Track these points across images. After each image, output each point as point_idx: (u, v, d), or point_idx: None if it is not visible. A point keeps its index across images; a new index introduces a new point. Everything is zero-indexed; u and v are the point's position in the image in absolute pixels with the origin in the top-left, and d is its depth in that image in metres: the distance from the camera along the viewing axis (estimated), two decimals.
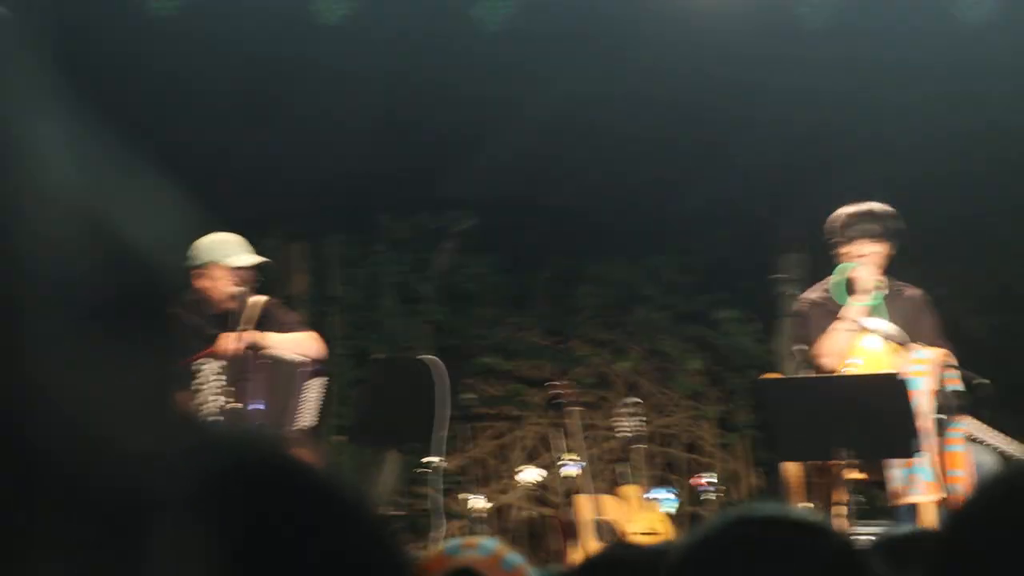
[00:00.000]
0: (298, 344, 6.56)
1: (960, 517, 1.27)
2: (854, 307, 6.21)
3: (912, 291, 6.48)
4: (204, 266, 6.33)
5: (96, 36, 6.66)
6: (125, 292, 0.81)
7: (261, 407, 6.37)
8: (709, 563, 1.38)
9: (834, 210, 6.40)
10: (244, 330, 6.36)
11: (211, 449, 0.98)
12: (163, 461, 0.76)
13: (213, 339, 6.35)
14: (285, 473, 1.01)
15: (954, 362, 5.98)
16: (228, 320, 6.28)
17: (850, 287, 6.32)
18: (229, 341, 6.25)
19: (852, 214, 6.31)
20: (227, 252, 6.32)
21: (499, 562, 2.00)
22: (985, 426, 6.38)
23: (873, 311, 6.23)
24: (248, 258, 6.36)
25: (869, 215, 6.29)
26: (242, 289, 6.32)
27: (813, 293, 6.48)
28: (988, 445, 6.28)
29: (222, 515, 0.87)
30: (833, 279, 6.34)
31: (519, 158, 8.16)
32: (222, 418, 6.24)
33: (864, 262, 6.25)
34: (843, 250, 6.30)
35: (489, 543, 2.05)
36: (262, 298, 6.59)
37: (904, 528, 3.88)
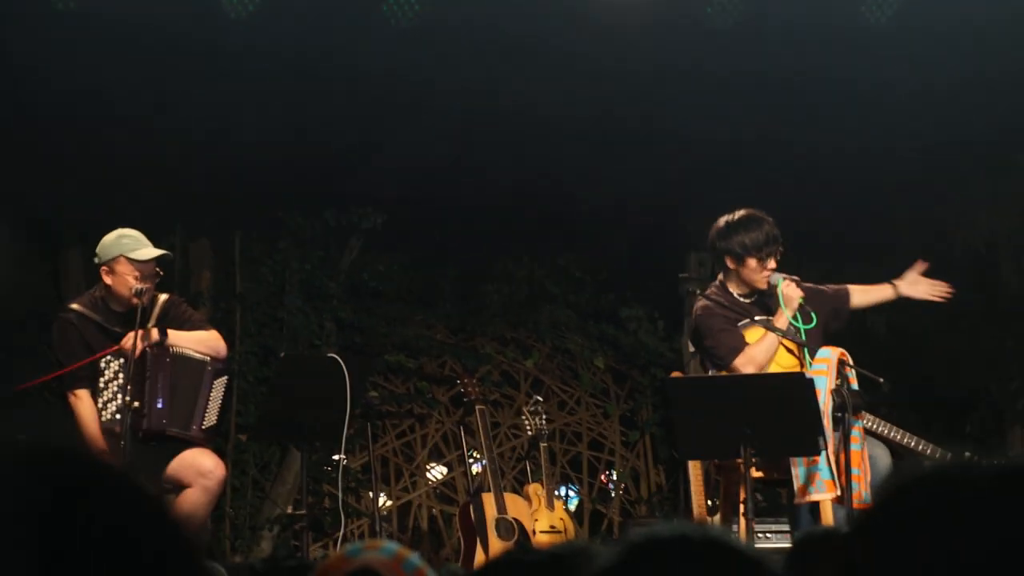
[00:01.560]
0: (202, 342, 6.55)
1: (867, 519, 1.30)
2: (782, 322, 6.21)
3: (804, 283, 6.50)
4: (109, 262, 6.32)
5: None
6: None
7: (163, 405, 6.34)
8: None
9: (740, 208, 6.40)
10: (149, 327, 6.34)
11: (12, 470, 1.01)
12: None
13: (118, 337, 6.32)
14: (85, 482, 1.05)
15: (850, 360, 6.07)
16: (133, 317, 6.25)
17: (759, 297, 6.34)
18: (134, 339, 6.22)
19: (761, 233, 6.23)
20: (131, 246, 6.34)
21: (400, 564, 2.01)
22: (882, 420, 6.50)
23: (798, 320, 6.23)
24: (150, 251, 6.35)
25: (770, 228, 6.27)
26: (147, 286, 6.29)
27: (717, 297, 6.46)
28: (885, 439, 6.39)
29: (26, 529, 0.91)
30: (781, 295, 6.23)
31: (425, 156, 8.16)
32: (120, 416, 6.20)
33: (776, 276, 6.26)
34: (751, 264, 6.27)
35: (391, 546, 2.06)
36: (166, 295, 6.58)
37: (814, 530, 3.93)
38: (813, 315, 6.23)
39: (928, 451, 6.49)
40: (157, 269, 6.39)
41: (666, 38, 7.19)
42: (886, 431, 6.45)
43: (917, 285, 6.58)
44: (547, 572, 1.83)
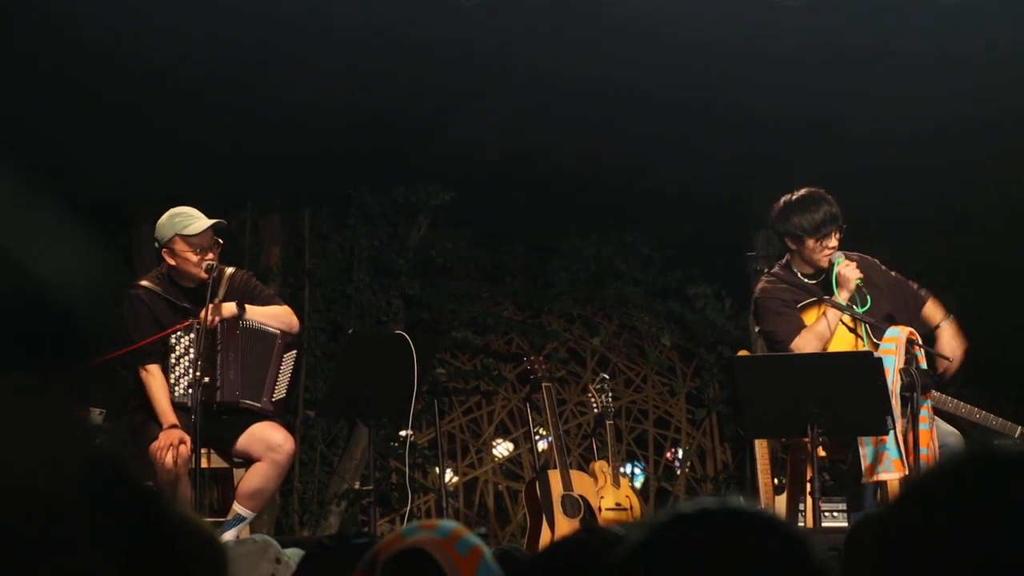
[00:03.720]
0: (275, 317, 6.62)
1: (905, 496, 1.29)
2: (838, 306, 6.14)
3: (866, 262, 6.41)
4: (167, 243, 6.39)
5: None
6: (23, 325, 0.82)
7: (235, 377, 6.41)
8: (653, 563, 1.39)
9: (805, 187, 6.36)
10: (217, 301, 6.41)
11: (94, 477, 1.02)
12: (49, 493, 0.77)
13: (188, 312, 6.39)
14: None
15: (919, 340, 6.02)
16: (201, 292, 6.33)
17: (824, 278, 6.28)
18: (205, 313, 6.29)
19: (819, 213, 6.19)
20: (183, 224, 6.40)
21: (453, 544, 2.02)
22: (951, 398, 6.43)
23: (855, 303, 6.17)
24: (202, 223, 6.40)
25: (828, 208, 6.22)
26: (210, 257, 6.36)
27: (780, 276, 6.42)
28: (954, 415, 6.33)
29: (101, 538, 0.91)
30: (835, 276, 6.19)
31: (494, 132, 8.16)
32: (192, 391, 6.27)
33: (837, 255, 6.21)
34: (810, 244, 6.23)
35: (447, 525, 2.06)
36: (232, 269, 6.65)
37: (875, 511, 3.90)
38: (868, 298, 6.17)
39: (998, 425, 6.43)
40: (216, 238, 6.44)
41: (738, 6, 7.12)
42: (954, 408, 6.39)
43: (948, 345, 6.40)
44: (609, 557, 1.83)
